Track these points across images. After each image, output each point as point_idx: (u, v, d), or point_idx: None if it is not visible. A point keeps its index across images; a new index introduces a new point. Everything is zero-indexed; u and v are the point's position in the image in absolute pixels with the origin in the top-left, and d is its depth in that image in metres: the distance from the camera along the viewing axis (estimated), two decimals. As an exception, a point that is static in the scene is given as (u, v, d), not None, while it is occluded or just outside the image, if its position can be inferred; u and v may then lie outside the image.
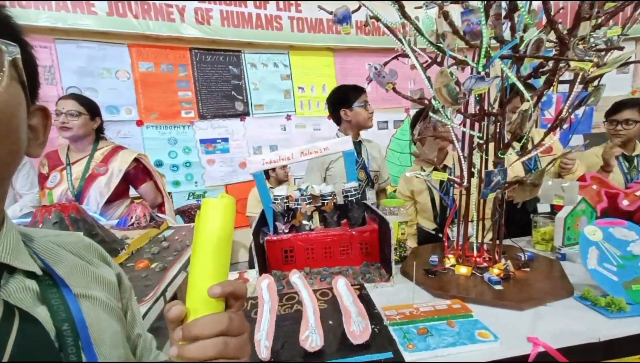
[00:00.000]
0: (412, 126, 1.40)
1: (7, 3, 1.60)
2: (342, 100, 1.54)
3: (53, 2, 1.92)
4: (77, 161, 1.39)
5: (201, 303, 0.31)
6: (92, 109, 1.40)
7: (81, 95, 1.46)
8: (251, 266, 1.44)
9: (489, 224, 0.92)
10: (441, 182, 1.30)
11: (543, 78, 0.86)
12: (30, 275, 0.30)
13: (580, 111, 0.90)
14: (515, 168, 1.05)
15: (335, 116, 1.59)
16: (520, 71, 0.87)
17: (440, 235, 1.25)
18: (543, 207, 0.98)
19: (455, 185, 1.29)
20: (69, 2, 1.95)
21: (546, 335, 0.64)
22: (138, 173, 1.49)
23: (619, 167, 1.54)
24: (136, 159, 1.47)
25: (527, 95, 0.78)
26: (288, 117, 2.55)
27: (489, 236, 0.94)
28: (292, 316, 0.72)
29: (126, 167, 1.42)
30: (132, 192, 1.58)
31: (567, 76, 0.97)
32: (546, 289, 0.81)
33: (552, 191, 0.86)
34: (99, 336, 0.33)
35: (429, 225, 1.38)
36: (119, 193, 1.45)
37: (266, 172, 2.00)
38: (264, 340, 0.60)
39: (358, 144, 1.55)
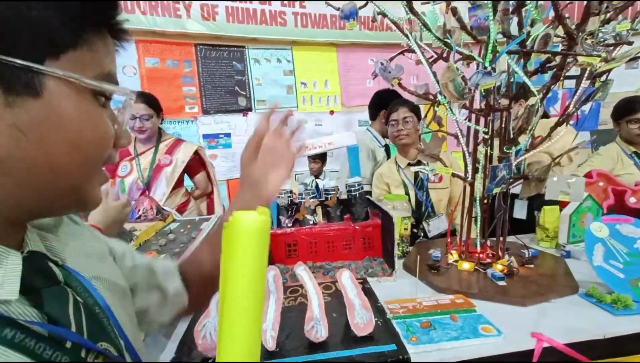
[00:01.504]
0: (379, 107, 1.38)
1: None
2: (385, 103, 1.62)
3: None
4: (144, 152, 1.48)
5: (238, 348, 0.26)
6: (157, 107, 1.49)
7: (146, 94, 1.51)
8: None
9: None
10: (415, 176, 1.29)
11: (549, 74, 0.86)
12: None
13: (587, 107, 0.89)
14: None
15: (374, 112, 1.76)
16: (527, 66, 0.87)
17: (415, 231, 1.25)
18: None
19: (432, 180, 1.31)
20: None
21: (550, 331, 0.64)
22: (195, 163, 1.58)
23: (636, 166, 1.50)
24: (196, 151, 1.57)
25: (534, 89, 0.78)
26: (290, 113, 2.55)
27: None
28: (296, 308, 0.73)
29: (189, 158, 1.51)
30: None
31: (574, 71, 0.96)
32: (550, 286, 0.81)
33: (557, 186, 0.86)
34: (120, 318, 0.32)
35: None
36: (178, 183, 1.54)
37: None
38: (270, 330, 0.61)
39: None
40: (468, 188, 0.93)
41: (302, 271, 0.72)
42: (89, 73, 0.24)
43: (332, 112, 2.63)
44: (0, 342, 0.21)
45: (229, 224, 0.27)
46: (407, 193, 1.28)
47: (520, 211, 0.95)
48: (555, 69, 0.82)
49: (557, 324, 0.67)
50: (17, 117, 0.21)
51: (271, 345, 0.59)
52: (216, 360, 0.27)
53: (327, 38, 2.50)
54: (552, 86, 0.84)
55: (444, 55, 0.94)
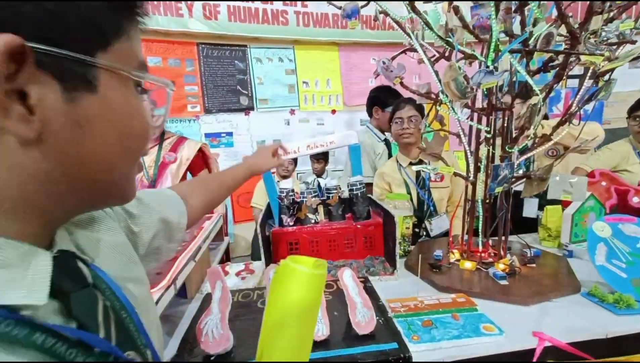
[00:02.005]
0: (372, 104, 1.40)
1: None
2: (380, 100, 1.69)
3: None
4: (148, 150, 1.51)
5: None
6: None
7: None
8: (254, 258, 1.45)
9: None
10: (417, 175, 1.30)
11: (552, 73, 0.85)
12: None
13: (590, 106, 0.89)
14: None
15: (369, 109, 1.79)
16: (529, 65, 0.87)
17: (417, 230, 1.25)
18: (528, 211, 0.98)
19: (434, 179, 1.31)
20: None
21: (552, 331, 0.64)
22: (199, 160, 1.59)
23: None
24: (200, 148, 1.58)
25: (536, 89, 0.78)
26: (292, 112, 2.56)
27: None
28: (297, 306, 0.73)
29: (193, 155, 1.53)
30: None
31: (577, 71, 0.96)
32: (552, 285, 0.81)
33: (560, 186, 0.85)
34: (146, 323, 0.30)
35: None
36: (182, 179, 1.56)
37: None
38: (270, 328, 0.61)
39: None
40: (470, 188, 0.93)
41: (303, 269, 0.73)
42: (132, 64, 0.24)
43: (333, 111, 2.63)
44: (31, 347, 0.20)
45: (284, 268, 0.25)
46: (408, 192, 1.28)
47: (530, 209, 0.94)
48: (557, 68, 0.82)
49: (558, 323, 0.67)
50: (77, 113, 0.21)
51: (273, 343, 0.59)
52: None
53: (329, 37, 2.50)
54: (555, 85, 0.84)
55: (446, 54, 0.94)
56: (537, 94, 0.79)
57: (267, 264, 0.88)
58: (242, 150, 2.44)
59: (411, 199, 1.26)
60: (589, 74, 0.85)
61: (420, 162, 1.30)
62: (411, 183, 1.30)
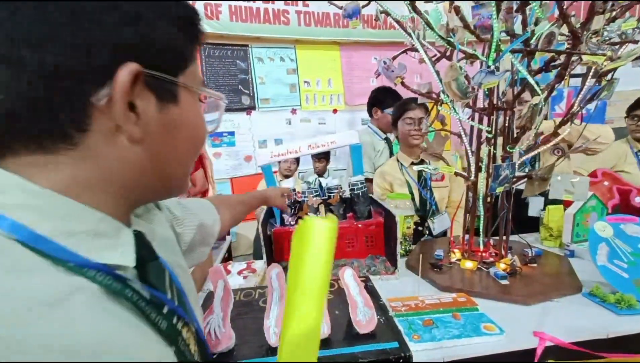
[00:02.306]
0: (372, 104, 1.40)
1: None
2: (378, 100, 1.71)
3: None
4: None
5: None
6: None
7: None
8: (256, 257, 1.46)
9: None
10: (419, 175, 1.30)
11: (554, 73, 0.85)
12: None
13: (592, 106, 0.89)
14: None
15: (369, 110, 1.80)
16: (531, 64, 0.86)
17: (420, 229, 1.25)
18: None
19: (435, 179, 1.31)
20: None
21: (553, 330, 0.64)
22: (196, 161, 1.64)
23: (639, 165, 1.50)
24: None
25: (537, 88, 0.77)
26: (293, 111, 2.56)
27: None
28: (298, 305, 0.74)
29: None
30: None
31: (579, 70, 0.95)
32: (553, 285, 0.81)
33: (561, 186, 0.85)
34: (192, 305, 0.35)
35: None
36: None
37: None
38: (273, 327, 0.61)
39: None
40: (471, 187, 0.93)
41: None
42: (197, 81, 0.30)
43: (335, 110, 2.63)
44: (123, 298, 0.25)
45: (307, 227, 0.30)
46: (411, 192, 1.29)
47: (535, 208, 0.93)
48: (559, 68, 0.81)
49: (559, 323, 0.67)
50: (165, 119, 0.27)
51: (274, 341, 0.60)
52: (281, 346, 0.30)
53: (330, 37, 2.50)
54: (557, 85, 0.84)
55: (447, 54, 0.94)
56: (538, 94, 0.79)
57: (268, 263, 0.88)
58: (243, 150, 2.45)
59: (413, 199, 1.26)
60: (591, 73, 0.84)
61: (422, 162, 1.30)
62: (413, 183, 1.30)
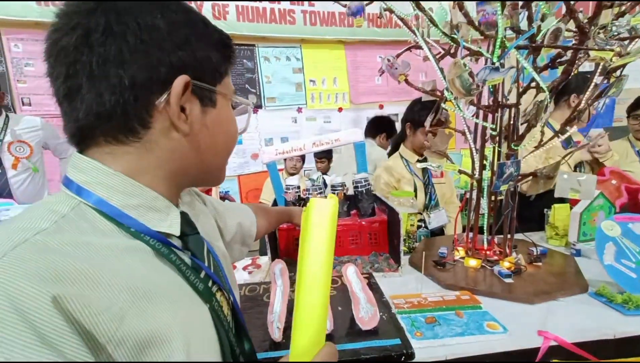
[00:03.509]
0: (406, 117, 1.34)
1: (42, 2, 1.65)
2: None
3: (81, 2, 2.03)
4: None
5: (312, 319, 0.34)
6: None
7: None
8: (262, 253, 1.48)
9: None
10: (424, 172, 1.29)
11: (561, 69, 0.84)
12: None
13: (600, 103, 0.87)
14: (528, 161, 1.02)
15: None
16: (537, 61, 0.85)
17: (422, 224, 1.25)
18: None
19: (434, 175, 1.30)
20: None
21: (557, 330, 0.63)
22: None
23: None
24: None
25: (543, 85, 0.77)
26: (299, 110, 2.58)
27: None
28: (302, 301, 0.75)
29: None
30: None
31: (588, 67, 0.94)
32: (559, 284, 0.80)
33: (567, 184, 0.84)
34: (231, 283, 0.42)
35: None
36: None
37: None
38: (276, 322, 0.62)
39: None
40: (476, 185, 0.92)
41: (308, 265, 0.74)
42: (230, 89, 0.38)
43: (340, 109, 2.63)
44: (168, 261, 0.32)
45: (311, 205, 0.36)
46: (415, 189, 1.28)
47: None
48: (566, 65, 0.80)
49: (565, 323, 0.67)
50: (206, 120, 0.35)
51: (278, 336, 0.60)
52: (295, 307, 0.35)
53: (335, 36, 2.51)
54: (563, 82, 0.83)
55: (452, 51, 0.93)
56: (544, 91, 0.78)
57: (272, 259, 0.89)
58: (250, 148, 2.48)
59: (416, 196, 1.26)
60: (598, 70, 0.83)
61: (426, 159, 1.30)
62: (419, 180, 1.30)
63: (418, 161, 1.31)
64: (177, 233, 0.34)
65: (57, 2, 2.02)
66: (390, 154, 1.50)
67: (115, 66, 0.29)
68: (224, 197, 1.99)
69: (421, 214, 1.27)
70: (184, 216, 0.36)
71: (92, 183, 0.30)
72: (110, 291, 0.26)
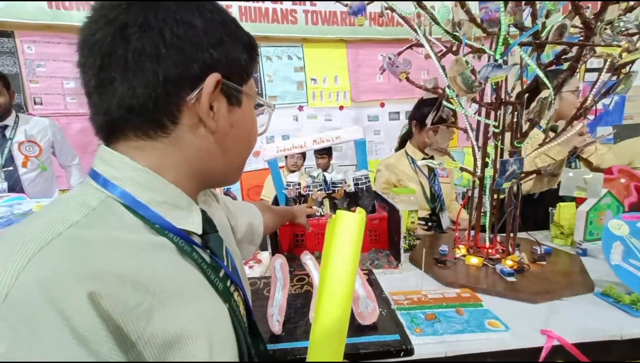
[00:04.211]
0: (413, 115, 1.34)
1: (53, 5, 1.70)
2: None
3: (92, 2, 2.09)
4: None
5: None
6: None
7: None
8: (263, 249, 1.49)
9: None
10: (430, 169, 1.28)
11: (566, 66, 0.83)
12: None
13: (608, 101, 0.86)
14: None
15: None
16: (541, 58, 0.84)
17: (430, 224, 1.23)
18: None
19: (440, 175, 1.28)
20: (104, 3, 2.13)
21: (561, 330, 0.62)
22: None
23: None
24: None
25: (547, 82, 0.75)
26: (300, 108, 2.59)
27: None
28: (302, 296, 0.75)
29: None
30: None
31: (597, 64, 0.92)
32: (563, 283, 0.79)
33: (573, 182, 0.83)
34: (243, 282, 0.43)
35: (422, 214, 1.31)
36: None
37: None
38: (276, 315, 0.62)
39: None
40: (477, 183, 0.91)
41: (308, 259, 0.74)
42: (254, 90, 0.38)
43: (341, 107, 2.64)
44: (189, 258, 0.32)
45: (338, 218, 0.36)
46: (423, 188, 1.27)
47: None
48: (571, 61, 0.79)
49: (569, 323, 0.65)
50: (231, 118, 0.35)
51: (277, 329, 0.61)
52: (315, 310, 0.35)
53: (337, 35, 2.52)
54: (568, 78, 0.81)
55: (454, 49, 0.93)
56: (548, 88, 0.77)
57: (273, 254, 0.90)
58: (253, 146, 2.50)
59: (425, 193, 1.25)
60: (606, 66, 0.81)
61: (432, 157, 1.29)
62: (424, 177, 1.29)
63: (424, 158, 1.30)
64: (200, 231, 0.34)
65: (67, 4, 2.08)
66: (396, 150, 1.48)
67: (150, 61, 0.29)
68: (226, 194, 2.02)
69: (431, 213, 1.25)
70: (204, 215, 0.37)
71: (120, 177, 0.30)
72: (141, 288, 0.26)
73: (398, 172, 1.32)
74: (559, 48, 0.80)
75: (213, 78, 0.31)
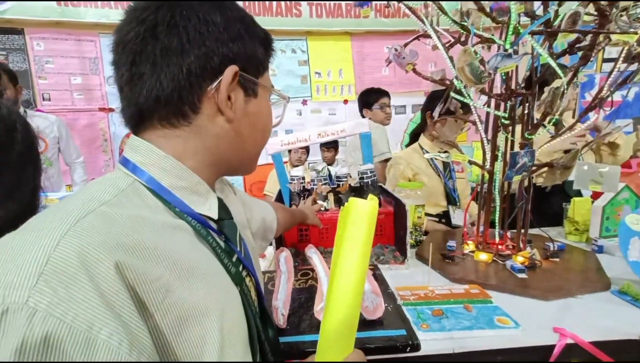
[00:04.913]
0: (426, 107, 1.30)
1: (62, 2, 1.75)
2: (364, 101, 1.82)
3: (99, 2, 2.15)
4: None
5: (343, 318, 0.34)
6: None
7: None
8: (266, 243, 1.51)
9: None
10: (444, 165, 1.24)
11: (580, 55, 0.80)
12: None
13: (628, 92, 0.82)
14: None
15: (361, 113, 1.88)
16: (552, 47, 0.81)
17: (444, 220, 1.21)
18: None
19: (457, 169, 1.25)
20: (112, 1, 2.16)
21: (575, 328, 0.60)
22: None
23: None
24: None
25: (560, 71, 0.73)
26: (304, 102, 2.58)
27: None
28: (307, 290, 0.74)
29: None
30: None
31: (615, 53, 0.88)
32: (577, 280, 0.76)
33: (588, 175, 0.79)
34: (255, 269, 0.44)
35: (437, 211, 1.28)
36: None
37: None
38: (280, 309, 0.62)
39: None
40: (487, 176, 0.89)
41: (312, 253, 0.73)
42: (269, 84, 0.40)
43: (346, 101, 2.61)
44: (205, 242, 0.35)
45: (350, 205, 0.36)
46: (435, 182, 1.23)
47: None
48: (585, 50, 0.76)
49: (584, 321, 0.63)
50: (248, 108, 0.37)
51: (282, 323, 0.60)
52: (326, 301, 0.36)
53: (341, 27, 2.48)
54: (581, 68, 0.78)
55: (462, 39, 0.90)
56: (560, 77, 0.74)
57: (277, 248, 0.89)
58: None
59: (446, 188, 1.21)
60: (622, 55, 0.78)
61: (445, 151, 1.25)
62: (440, 173, 1.25)
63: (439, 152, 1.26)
64: (215, 216, 0.37)
65: (75, 3, 2.12)
66: (408, 145, 1.44)
67: (176, 55, 0.32)
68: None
69: (446, 209, 1.21)
70: (220, 202, 0.39)
71: (147, 163, 0.33)
72: (161, 263, 0.28)
73: (414, 166, 1.26)
74: (573, 37, 0.77)
75: (231, 70, 0.34)
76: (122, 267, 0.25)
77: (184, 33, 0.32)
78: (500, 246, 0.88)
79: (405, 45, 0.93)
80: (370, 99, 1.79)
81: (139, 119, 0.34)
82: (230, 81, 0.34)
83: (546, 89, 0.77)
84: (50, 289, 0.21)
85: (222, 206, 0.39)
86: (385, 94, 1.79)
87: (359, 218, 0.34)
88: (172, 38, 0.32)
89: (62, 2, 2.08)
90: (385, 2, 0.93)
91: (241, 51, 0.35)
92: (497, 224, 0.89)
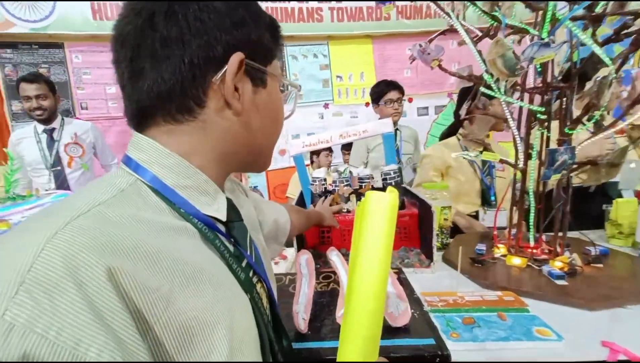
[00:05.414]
0: (459, 103, 1.25)
1: (97, 17, 1.86)
2: (371, 97, 1.78)
3: (106, 2, 2.28)
4: None
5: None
6: None
7: None
8: (288, 245, 1.51)
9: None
10: (483, 162, 1.18)
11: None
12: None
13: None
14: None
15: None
16: (595, 33, 0.75)
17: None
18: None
19: (498, 168, 1.18)
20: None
21: (626, 342, 0.54)
22: None
23: None
24: None
25: (606, 60, 0.66)
26: (326, 106, 2.59)
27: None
28: (328, 293, 0.72)
29: None
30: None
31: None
32: (625, 289, 0.69)
33: (635, 174, 0.72)
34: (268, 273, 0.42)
35: (469, 209, 1.22)
36: None
37: (310, 158, 2.19)
38: (302, 313, 0.61)
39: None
40: (519, 176, 0.83)
41: (335, 256, 0.72)
42: (279, 72, 0.38)
43: (367, 104, 2.59)
44: (212, 245, 0.32)
45: (367, 199, 0.33)
46: (471, 178, 1.18)
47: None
48: (634, 36, 0.69)
49: (636, 335, 0.57)
50: (257, 99, 0.35)
51: (303, 328, 0.59)
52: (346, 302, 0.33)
53: (363, 30, 2.48)
54: (630, 55, 0.71)
55: (491, 32, 0.85)
56: (607, 66, 0.68)
57: (298, 250, 0.89)
58: (277, 144, 2.55)
59: (483, 185, 1.16)
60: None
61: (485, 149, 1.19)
62: (478, 170, 1.19)
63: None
64: (224, 218, 0.34)
65: (109, 15, 2.26)
66: (442, 138, 1.37)
67: (176, 46, 0.30)
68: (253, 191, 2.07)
69: (481, 208, 1.15)
70: (230, 202, 0.36)
71: (150, 161, 0.31)
72: (162, 270, 0.25)
73: (447, 158, 1.19)
74: (618, 22, 0.70)
75: (236, 57, 0.31)
76: (115, 272, 0.22)
77: (183, 21, 0.29)
78: (535, 250, 0.83)
79: (430, 41, 0.89)
80: (375, 94, 1.71)
81: (142, 116, 0.32)
82: (236, 71, 0.31)
83: (588, 82, 0.71)
84: (31, 300, 0.19)
85: (232, 207, 0.36)
86: (394, 88, 1.65)
87: (378, 211, 0.31)
88: (171, 27, 0.29)
89: (98, 16, 2.23)
90: (406, 4, 0.89)
91: (246, 38, 0.32)
92: (531, 226, 0.83)
